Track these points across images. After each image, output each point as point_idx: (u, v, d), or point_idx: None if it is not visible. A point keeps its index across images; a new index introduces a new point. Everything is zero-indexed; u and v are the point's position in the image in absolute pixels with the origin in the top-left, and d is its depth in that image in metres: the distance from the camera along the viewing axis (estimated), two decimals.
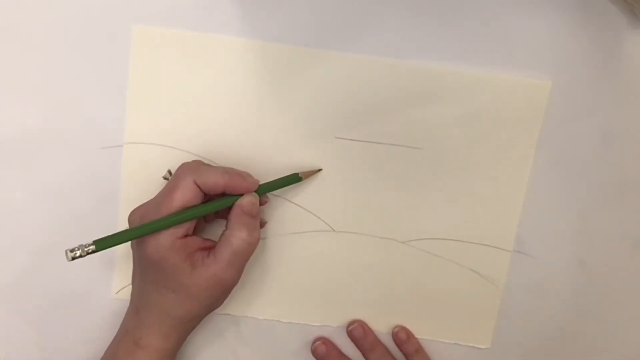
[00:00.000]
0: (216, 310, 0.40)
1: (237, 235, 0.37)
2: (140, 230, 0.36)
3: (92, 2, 0.40)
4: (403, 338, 0.44)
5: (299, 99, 0.41)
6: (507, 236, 0.43)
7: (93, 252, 0.34)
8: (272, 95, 0.41)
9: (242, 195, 0.38)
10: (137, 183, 0.42)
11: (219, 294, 0.38)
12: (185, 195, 0.36)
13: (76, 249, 0.34)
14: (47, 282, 0.44)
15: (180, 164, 0.39)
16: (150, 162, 0.42)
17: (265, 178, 0.41)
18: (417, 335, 0.45)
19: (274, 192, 0.42)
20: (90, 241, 0.34)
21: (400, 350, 0.45)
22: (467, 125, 0.41)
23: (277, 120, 0.41)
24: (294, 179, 0.41)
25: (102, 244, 0.35)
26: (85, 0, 0.40)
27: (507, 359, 0.45)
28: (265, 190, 0.39)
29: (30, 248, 0.43)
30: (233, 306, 0.44)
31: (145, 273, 0.38)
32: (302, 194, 0.43)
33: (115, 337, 0.40)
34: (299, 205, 0.43)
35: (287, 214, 0.43)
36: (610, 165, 0.42)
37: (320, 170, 0.42)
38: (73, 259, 0.34)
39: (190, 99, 0.41)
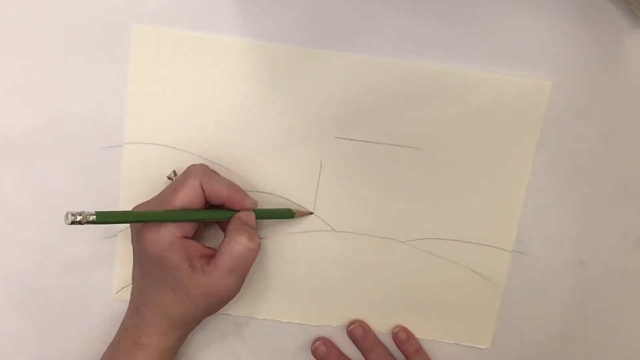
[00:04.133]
0: None
1: (237, 240, 0.37)
2: (141, 216, 0.36)
3: (92, 2, 0.40)
4: (403, 338, 0.44)
5: (299, 99, 0.41)
6: (507, 236, 0.43)
7: (93, 222, 0.34)
8: (272, 95, 0.41)
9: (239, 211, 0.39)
10: (137, 183, 0.42)
11: (217, 302, 0.38)
12: (189, 195, 0.37)
13: (78, 214, 0.33)
14: (47, 283, 0.44)
15: (189, 165, 0.39)
16: (150, 162, 0.42)
17: (264, 178, 0.41)
18: (417, 335, 0.45)
19: (275, 193, 0.42)
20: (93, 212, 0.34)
21: (400, 350, 0.45)
22: (467, 125, 0.41)
23: (277, 120, 0.41)
24: (287, 214, 0.41)
25: (104, 217, 0.34)
26: (85, 0, 0.40)
27: (507, 359, 0.45)
28: (259, 215, 0.40)
29: (30, 248, 0.43)
30: (233, 306, 0.44)
31: (145, 270, 0.38)
32: (302, 194, 0.42)
33: (115, 336, 0.40)
34: (299, 205, 0.43)
35: None
36: (610, 165, 0.42)
37: (311, 213, 0.42)
38: (72, 222, 0.33)
39: (190, 99, 0.41)
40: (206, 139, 0.42)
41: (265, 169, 0.42)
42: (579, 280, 0.44)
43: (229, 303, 0.39)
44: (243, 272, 0.38)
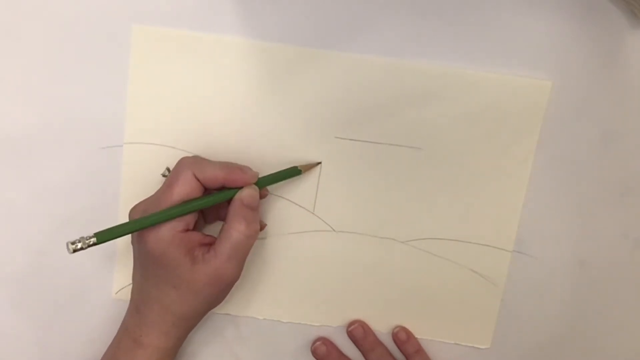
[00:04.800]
0: (216, 310, 0.40)
1: (236, 228, 0.37)
2: (141, 223, 0.36)
3: (92, 2, 0.40)
4: (403, 338, 0.44)
5: (299, 99, 0.41)
6: (507, 236, 0.43)
7: (94, 244, 0.34)
8: (272, 95, 0.41)
9: (241, 188, 0.38)
10: (137, 183, 0.42)
11: (220, 290, 0.38)
12: (184, 188, 0.37)
13: (77, 241, 0.34)
14: (47, 283, 0.44)
15: (180, 158, 0.39)
16: (150, 161, 0.42)
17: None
18: (417, 335, 0.45)
19: (275, 193, 0.42)
20: (91, 234, 0.34)
21: (400, 350, 0.45)
22: (467, 125, 0.41)
23: (277, 120, 0.41)
24: (293, 172, 0.41)
25: (103, 236, 0.35)
26: (85, 0, 0.40)
27: (507, 359, 0.45)
28: (264, 183, 0.39)
29: (30, 248, 0.43)
30: (233, 306, 0.44)
31: (146, 269, 0.38)
32: (302, 194, 0.43)
33: (115, 336, 0.40)
34: (299, 205, 0.43)
35: (287, 214, 0.43)
36: (610, 165, 0.42)
37: (319, 163, 0.42)
38: (74, 251, 0.34)
39: (190, 99, 0.41)
40: (206, 138, 0.42)
41: (265, 169, 0.42)
42: (579, 280, 0.44)
43: (229, 300, 0.39)
44: (242, 257, 0.38)
